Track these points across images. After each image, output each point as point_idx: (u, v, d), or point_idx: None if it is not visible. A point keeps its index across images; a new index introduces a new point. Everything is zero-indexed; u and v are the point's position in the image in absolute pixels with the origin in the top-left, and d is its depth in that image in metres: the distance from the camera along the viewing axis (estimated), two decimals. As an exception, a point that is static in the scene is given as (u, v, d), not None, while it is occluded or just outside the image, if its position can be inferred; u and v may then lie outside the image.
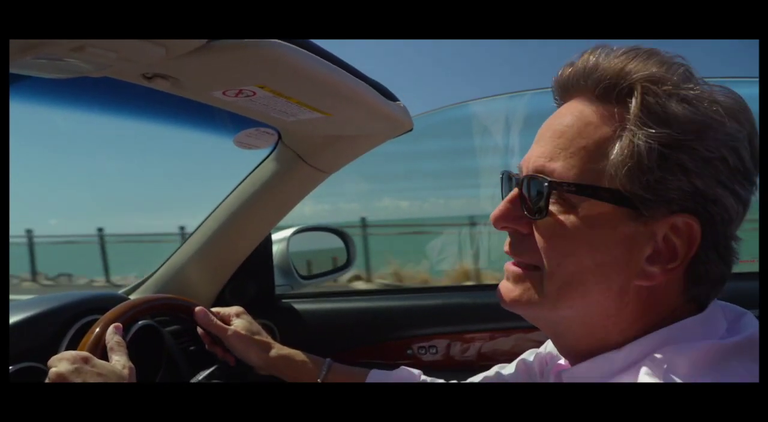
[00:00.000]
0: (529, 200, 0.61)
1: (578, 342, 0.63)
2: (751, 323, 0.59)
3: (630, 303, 0.58)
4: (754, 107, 0.62)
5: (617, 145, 0.55)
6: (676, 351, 0.53)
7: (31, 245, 12.84)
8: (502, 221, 0.63)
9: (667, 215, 0.55)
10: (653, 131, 0.53)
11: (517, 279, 0.63)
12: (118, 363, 0.80)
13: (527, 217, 0.61)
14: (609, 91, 0.57)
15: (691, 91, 0.54)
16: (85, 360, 0.76)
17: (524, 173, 0.62)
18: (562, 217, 0.58)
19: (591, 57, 0.59)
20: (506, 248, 0.65)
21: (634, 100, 0.55)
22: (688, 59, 0.58)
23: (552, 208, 0.58)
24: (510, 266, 0.65)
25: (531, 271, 0.62)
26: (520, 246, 0.63)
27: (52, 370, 0.74)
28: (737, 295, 0.63)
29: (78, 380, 0.73)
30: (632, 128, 0.54)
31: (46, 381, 0.74)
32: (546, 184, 0.58)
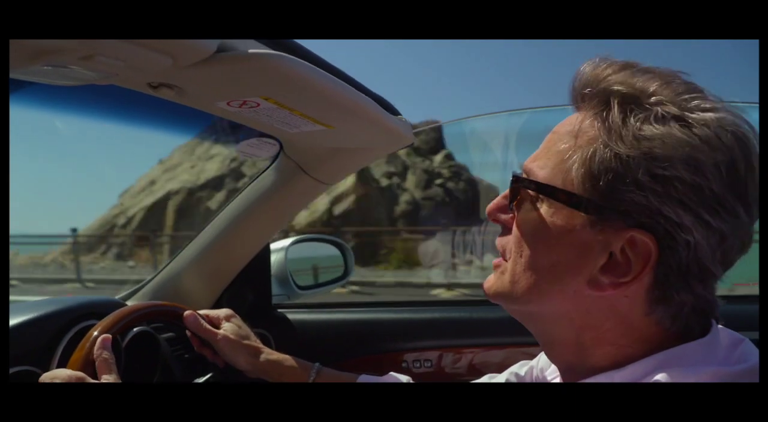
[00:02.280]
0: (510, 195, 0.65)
1: (560, 346, 0.63)
2: (750, 351, 0.58)
3: (592, 311, 0.58)
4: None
5: (578, 152, 0.57)
6: (678, 375, 0.53)
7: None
8: (492, 213, 0.68)
9: (624, 228, 0.55)
10: (612, 142, 0.55)
11: (495, 270, 0.67)
12: (108, 381, 0.79)
13: (509, 211, 0.65)
14: (591, 102, 0.59)
15: (661, 113, 0.54)
16: (80, 380, 0.75)
17: None
18: (528, 214, 0.61)
19: (585, 67, 0.61)
20: (496, 240, 0.69)
21: (597, 116, 0.57)
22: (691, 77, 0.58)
23: (522, 204, 0.62)
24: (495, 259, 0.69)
25: (501, 263, 0.66)
26: (502, 239, 0.67)
27: None
28: (732, 317, 0.63)
29: None
30: (592, 139, 0.57)
31: None
32: (512, 178, 0.63)
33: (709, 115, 0.54)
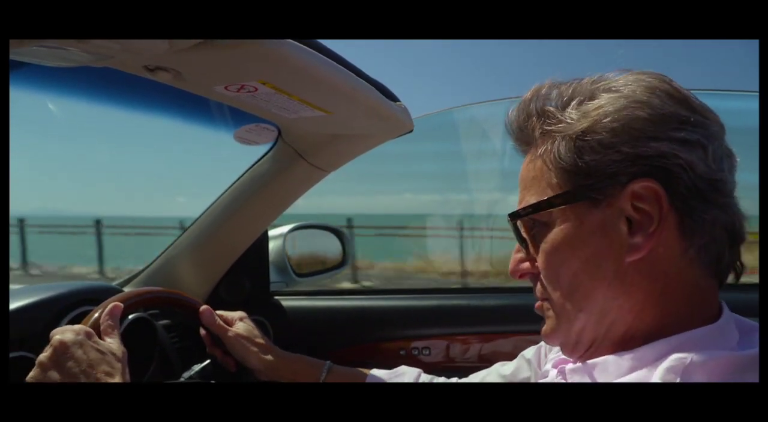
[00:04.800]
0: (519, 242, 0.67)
1: (603, 342, 0.63)
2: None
3: (633, 284, 0.59)
4: (753, 119, 0.63)
5: (545, 159, 0.62)
6: (690, 359, 0.53)
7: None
8: (516, 273, 0.69)
9: (621, 188, 0.57)
10: (564, 131, 0.60)
11: (545, 315, 0.68)
12: (112, 345, 0.81)
13: (527, 257, 0.67)
14: (532, 129, 0.65)
15: (586, 94, 0.61)
16: (89, 335, 0.78)
17: None
18: (540, 240, 0.63)
19: (511, 118, 0.67)
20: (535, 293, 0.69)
21: (542, 125, 0.63)
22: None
23: (531, 238, 0.65)
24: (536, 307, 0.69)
25: (545, 302, 0.66)
26: (537, 285, 0.67)
27: (56, 337, 0.76)
28: (738, 306, 0.62)
29: (78, 351, 0.75)
30: (548, 142, 0.62)
31: (48, 347, 0.75)
32: (508, 220, 0.66)
33: (623, 79, 0.61)
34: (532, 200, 0.63)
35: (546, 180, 0.62)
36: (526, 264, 0.67)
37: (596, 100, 0.59)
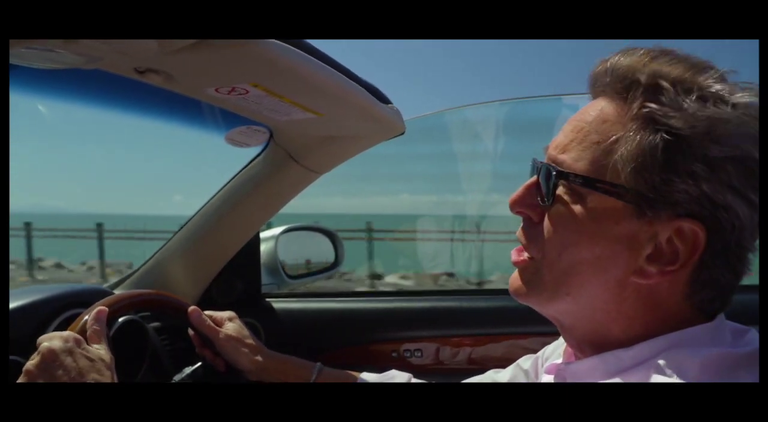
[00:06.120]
0: (542, 187, 0.61)
1: (584, 337, 0.63)
2: (755, 338, 0.59)
3: (628, 299, 0.58)
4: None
5: (627, 143, 0.55)
6: (686, 355, 0.53)
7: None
8: (517, 205, 0.64)
9: (672, 218, 0.54)
10: (662, 131, 0.53)
11: (520, 269, 0.65)
12: (101, 351, 0.80)
13: (540, 204, 0.62)
14: (628, 90, 0.57)
15: (713, 93, 0.54)
16: (78, 342, 0.77)
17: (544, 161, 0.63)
18: (567, 208, 0.59)
19: (619, 56, 0.59)
20: (518, 233, 0.65)
21: (647, 101, 0.55)
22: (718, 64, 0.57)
23: (560, 198, 0.59)
24: (512, 254, 0.66)
25: (530, 261, 0.63)
26: (529, 233, 0.64)
27: (44, 345, 0.74)
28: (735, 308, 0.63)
29: (68, 359, 0.74)
30: (643, 127, 0.55)
31: (36, 355, 0.74)
32: (554, 173, 0.59)
33: (745, 98, 0.54)
34: (580, 164, 0.58)
35: (610, 157, 0.56)
36: (535, 209, 0.63)
37: (714, 109, 0.53)
